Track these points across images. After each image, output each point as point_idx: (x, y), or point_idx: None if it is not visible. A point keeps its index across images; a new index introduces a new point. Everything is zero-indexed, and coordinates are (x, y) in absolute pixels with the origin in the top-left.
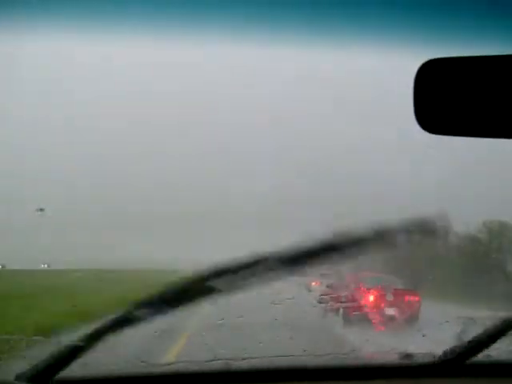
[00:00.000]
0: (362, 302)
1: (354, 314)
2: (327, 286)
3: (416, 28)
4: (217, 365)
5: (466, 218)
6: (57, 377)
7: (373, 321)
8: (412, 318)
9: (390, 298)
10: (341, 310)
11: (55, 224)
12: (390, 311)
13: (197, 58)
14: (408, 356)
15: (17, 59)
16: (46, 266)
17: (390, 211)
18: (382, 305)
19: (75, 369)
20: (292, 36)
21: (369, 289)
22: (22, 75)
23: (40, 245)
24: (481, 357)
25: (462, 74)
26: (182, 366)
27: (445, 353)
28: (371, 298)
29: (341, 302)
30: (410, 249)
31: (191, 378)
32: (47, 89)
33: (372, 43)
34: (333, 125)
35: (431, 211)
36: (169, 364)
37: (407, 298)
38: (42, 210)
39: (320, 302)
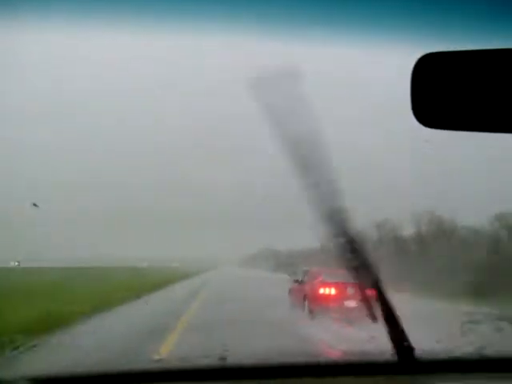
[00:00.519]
0: (325, 296)
1: (318, 305)
2: (295, 281)
3: (413, 22)
4: (209, 361)
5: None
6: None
7: (334, 312)
8: (370, 310)
9: (350, 291)
10: (306, 303)
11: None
12: (350, 303)
13: (194, 55)
14: (365, 353)
15: (15, 57)
16: (16, 263)
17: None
18: (343, 298)
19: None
20: (290, 32)
21: (331, 283)
22: (21, 73)
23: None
24: (441, 353)
25: (459, 67)
26: (174, 362)
27: (400, 350)
28: (333, 291)
29: (305, 296)
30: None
31: (183, 375)
32: (43, 86)
33: (369, 37)
34: (331, 122)
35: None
36: (161, 360)
37: (366, 291)
38: (35, 205)
39: (289, 295)
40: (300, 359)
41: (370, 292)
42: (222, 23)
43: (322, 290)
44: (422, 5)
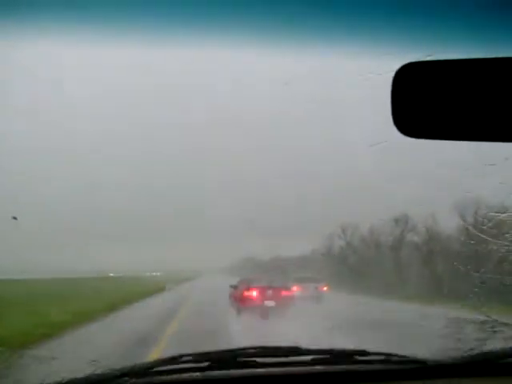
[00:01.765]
0: (250, 297)
1: (244, 305)
2: (230, 286)
3: (393, 32)
4: (197, 374)
5: None
6: None
7: (255, 310)
8: (286, 308)
9: (269, 293)
10: (236, 304)
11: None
12: (269, 303)
13: (194, 59)
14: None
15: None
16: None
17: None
18: (263, 298)
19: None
20: (278, 38)
21: (255, 287)
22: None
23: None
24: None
25: (440, 77)
26: (163, 374)
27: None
28: (255, 293)
29: (236, 297)
30: None
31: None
32: (27, 93)
33: (348, 45)
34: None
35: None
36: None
37: (283, 293)
38: (15, 218)
39: (229, 298)
40: (294, 368)
41: (286, 293)
42: (218, 38)
43: (246, 293)
44: (400, 16)
